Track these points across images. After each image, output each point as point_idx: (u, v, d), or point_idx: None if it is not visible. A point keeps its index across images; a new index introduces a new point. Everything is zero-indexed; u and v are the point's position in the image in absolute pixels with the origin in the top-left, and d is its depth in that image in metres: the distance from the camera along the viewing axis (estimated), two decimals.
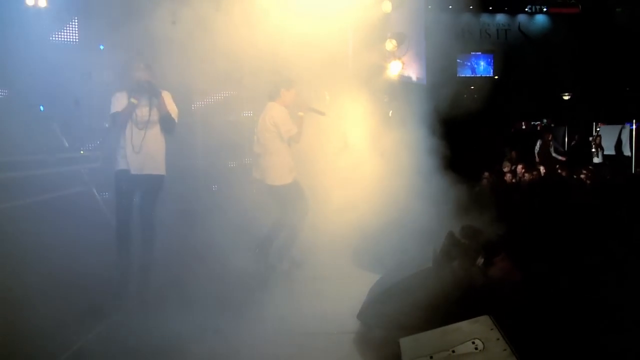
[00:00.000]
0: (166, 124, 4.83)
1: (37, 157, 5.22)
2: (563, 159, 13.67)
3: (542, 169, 11.38)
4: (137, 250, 4.80)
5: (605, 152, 14.93)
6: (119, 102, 4.72)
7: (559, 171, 10.51)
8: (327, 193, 6.16)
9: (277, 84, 5.58)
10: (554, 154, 13.82)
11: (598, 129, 16.00)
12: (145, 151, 4.72)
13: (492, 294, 3.79)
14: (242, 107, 7.96)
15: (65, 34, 7.31)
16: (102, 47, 7.52)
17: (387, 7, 7.98)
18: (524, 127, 18.68)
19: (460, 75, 19.73)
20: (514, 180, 10.12)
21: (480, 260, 4.13)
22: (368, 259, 5.57)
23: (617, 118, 16.04)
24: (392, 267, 4.58)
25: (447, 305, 3.91)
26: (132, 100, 4.68)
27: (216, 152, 7.74)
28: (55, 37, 7.44)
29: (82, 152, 5.89)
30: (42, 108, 7.01)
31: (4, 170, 4.74)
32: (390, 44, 8.14)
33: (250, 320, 4.22)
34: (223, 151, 7.81)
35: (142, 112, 4.73)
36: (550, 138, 14.18)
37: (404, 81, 10.72)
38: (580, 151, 14.68)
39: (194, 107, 7.99)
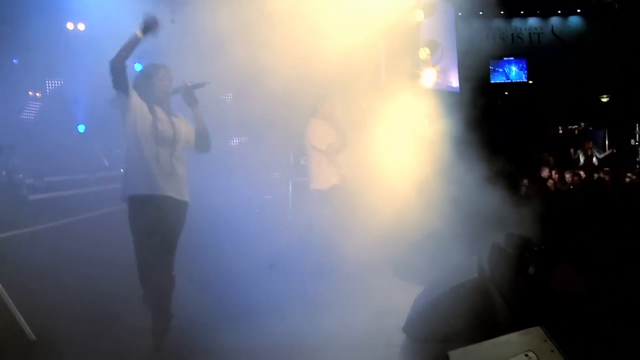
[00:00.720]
0: (204, 139, 4.04)
1: (80, 177, 5.26)
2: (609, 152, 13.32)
3: (582, 174, 11.09)
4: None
5: None
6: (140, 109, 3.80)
7: (602, 175, 10.18)
8: (368, 204, 6.05)
9: (312, 103, 6.01)
10: (597, 157, 13.49)
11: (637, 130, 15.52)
12: (172, 172, 3.84)
13: (545, 304, 3.64)
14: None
15: (104, 56, 7.41)
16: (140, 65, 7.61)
17: (419, 15, 7.90)
18: (561, 131, 18.25)
19: (494, 82, 19.45)
20: (554, 186, 9.85)
21: (532, 270, 3.98)
22: (411, 271, 5.45)
23: None
24: (436, 278, 4.45)
25: (494, 316, 3.79)
26: None
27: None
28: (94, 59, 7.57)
29: (122, 170, 5.90)
30: (82, 129, 7.12)
31: (50, 190, 4.79)
32: (424, 52, 8.05)
33: (294, 335, 4.14)
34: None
35: (164, 125, 3.85)
36: (590, 145, 13.81)
37: (438, 89, 10.60)
38: (624, 154, 14.25)
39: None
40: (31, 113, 6.77)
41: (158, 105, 3.87)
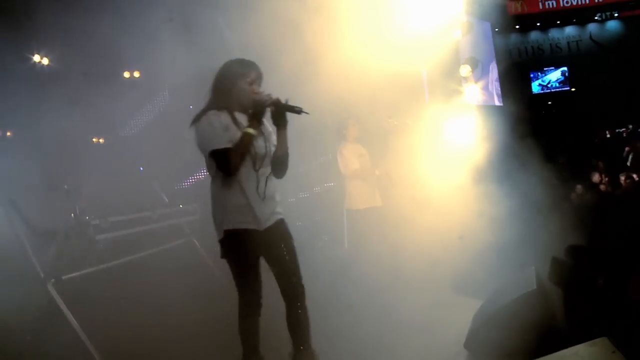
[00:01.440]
0: (283, 165, 3.39)
1: (143, 215, 5.35)
2: None
3: (635, 177, 10.63)
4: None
5: None
6: (221, 131, 3.15)
7: None
8: (424, 220, 5.91)
9: (339, 128, 6.06)
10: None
11: None
12: (270, 195, 3.31)
13: (617, 314, 3.43)
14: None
15: (157, 100, 7.65)
16: (191, 107, 7.79)
17: (458, 34, 7.81)
18: (608, 135, 17.66)
19: (536, 92, 19.07)
20: (607, 190, 9.46)
21: (601, 281, 3.76)
22: (469, 285, 5.27)
23: None
24: (494, 292, 4.27)
25: (557, 328, 3.60)
26: (249, 130, 3.15)
27: None
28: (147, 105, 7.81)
29: (180, 205, 5.99)
30: (141, 169, 7.27)
31: (114, 229, 4.86)
32: (465, 69, 7.92)
33: (357, 354, 4.03)
34: None
35: (259, 144, 3.28)
36: (639, 145, 13.27)
37: (482, 105, 10.43)
38: None
39: None
40: (95, 158, 6.94)
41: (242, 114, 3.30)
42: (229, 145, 3.09)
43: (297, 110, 3.19)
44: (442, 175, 6.45)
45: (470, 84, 8.07)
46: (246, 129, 3.15)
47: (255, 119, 3.19)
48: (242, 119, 3.23)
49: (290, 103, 3.19)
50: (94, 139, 7.27)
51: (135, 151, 6.90)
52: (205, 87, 3.37)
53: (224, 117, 3.17)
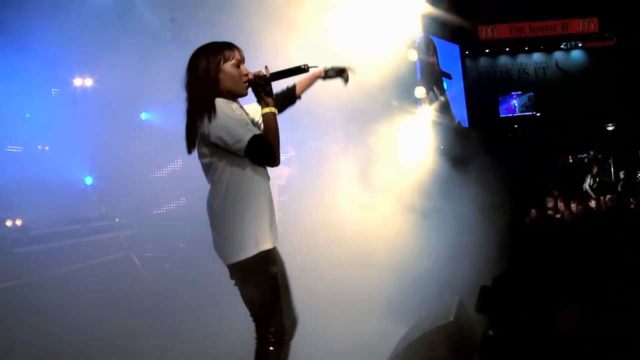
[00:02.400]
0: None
1: (72, 228, 5.06)
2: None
3: (592, 203, 10.58)
4: None
5: None
6: (245, 117, 2.75)
7: (608, 204, 9.66)
8: (357, 243, 5.70)
9: None
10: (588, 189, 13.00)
11: None
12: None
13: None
14: None
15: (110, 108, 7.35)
16: (144, 117, 7.53)
17: (413, 55, 7.68)
18: (570, 160, 17.73)
19: (503, 115, 19.09)
20: (561, 216, 9.35)
21: (527, 315, 3.57)
22: (402, 311, 5.03)
23: None
24: (417, 320, 4.05)
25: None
26: (272, 109, 2.72)
27: None
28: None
29: (117, 219, 5.72)
30: (89, 181, 6.97)
31: (34, 242, 4.59)
32: (419, 91, 7.77)
33: None
34: None
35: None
36: (595, 171, 13.29)
37: (443, 124, 10.31)
38: (629, 182, 13.68)
39: None
40: (38, 166, 6.64)
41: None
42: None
43: (304, 67, 2.79)
44: (380, 198, 6.26)
45: (425, 105, 7.92)
46: (267, 108, 2.69)
47: (268, 94, 2.70)
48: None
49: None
50: (39, 146, 6.95)
51: (79, 161, 6.59)
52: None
53: (225, 101, 2.67)
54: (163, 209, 6.95)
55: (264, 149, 2.57)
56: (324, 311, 4.97)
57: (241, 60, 2.79)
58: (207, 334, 4.74)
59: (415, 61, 7.98)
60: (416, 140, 7.75)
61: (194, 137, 2.72)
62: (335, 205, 5.81)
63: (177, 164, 7.31)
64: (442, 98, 12.04)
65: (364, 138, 6.99)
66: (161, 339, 4.55)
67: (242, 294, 2.77)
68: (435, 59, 12.29)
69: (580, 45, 18.66)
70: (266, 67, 2.74)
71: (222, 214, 2.70)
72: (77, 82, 7.35)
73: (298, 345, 2.93)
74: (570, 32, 17.75)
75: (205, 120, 2.58)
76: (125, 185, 6.58)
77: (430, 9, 8.10)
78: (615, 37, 17.75)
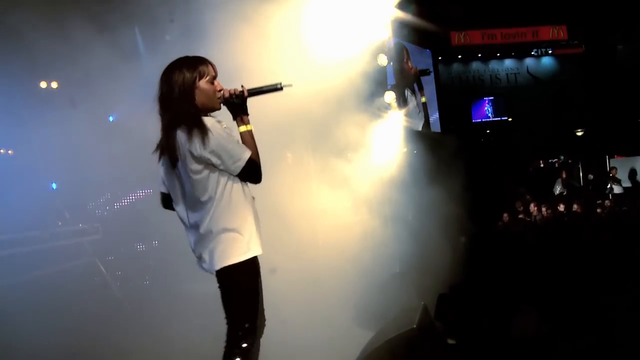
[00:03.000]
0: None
1: (32, 234, 4.92)
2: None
3: (561, 207, 10.70)
4: None
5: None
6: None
7: (575, 208, 9.76)
8: (325, 248, 5.64)
9: None
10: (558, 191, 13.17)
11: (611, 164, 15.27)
12: None
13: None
14: None
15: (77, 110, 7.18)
16: (111, 119, 7.36)
17: (383, 60, 7.64)
18: (542, 165, 17.99)
19: (476, 120, 19.26)
20: (528, 219, 9.44)
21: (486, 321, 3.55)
22: (367, 315, 4.99)
23: (631, 150, 15.36)
24: (382, 326, 4.01)
25: None
26: (249, 127, 2.85)
27: None
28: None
29: (80, 225, 5.58)
30: (54, 186, 6.81)
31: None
32: (389, 96, 7.73)
33: None
34: None
35: None
36: (564, 176, 13.48)
37: (413, 129, 10.33)
38: (597, 186, 13.92)
39: None
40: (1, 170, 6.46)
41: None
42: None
43: (279, 87, 2.83)
44: (352, 203, 6.21)
45: (394, 110, 7.88)
46: (244, 126, 2.80)
47: (243, 111, 2.80)
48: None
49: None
50: (1, 150, 6.75)
51: (43, 165, 6.41)
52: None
53: (212, 120, 2.71)
54: (131, 214, 6.80)
55: (256, 167, 2.73)
56: (291, 313, 4.91)
57: (215, 76, 2.81)
58: (173, 336, 4.65)
59: (386, 66, 7.92)
60: (384, 145, 7.72)
61: (178, 152, 2.67)
62: (301, 211, 5.73)
63: (146, 169, 7.15)
64: (422, 99, 12.10)
65: (332, 143, 6.94)
66: (128, 345, 4.46)
67: (225, 296, 2.77)
68: (409, 64, 12.31)
69: (550, 52, 19.01)
70: (242, 85, 2.79)
71: (219, 223, 2.71)
72: (43, 84, 7.20)
73: (265, 345, 2.90)
74: (540, 39, 18.02)
75: (197, 139, 2.58)
76: (91, 190, 6.44)
77: (400, 14, 8.06)
78: (583, 45, 18.09)
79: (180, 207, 2.83)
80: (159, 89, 2.75)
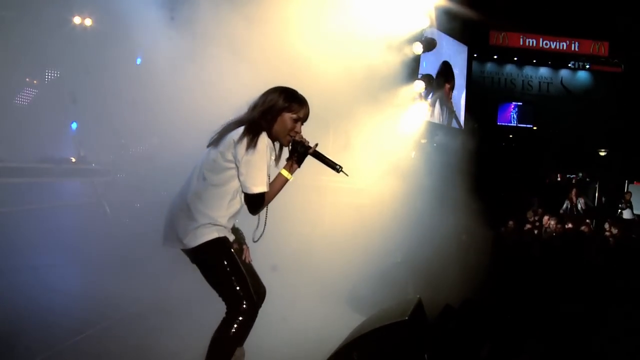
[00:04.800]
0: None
1: (42, 166, 4.96)
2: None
3: (569, 225, 10.59)
4: None
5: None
6: (267, 168, 2.99)
7: (583, 228, 9.66)
8: (334, 227, 5.64)
9: None
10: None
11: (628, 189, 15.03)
12: None
13: None
14: None
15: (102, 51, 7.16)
16: (139, 61, 7.33)
17: (418, 49, 7.55)
18: (559, 179, 17.78)
19: (500, 124, 19.05)
20: (535, 232, 9.35)
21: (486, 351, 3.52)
22: (365, 302, 4.98)
23: None
24: (374, 313, 4.01)
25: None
26: (289, 176, 3.08)
27: None
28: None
29: (93, 165, 5.61)
30: (75, 126, 6.83)
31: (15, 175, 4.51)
32: (419, 85, 7.66)
33: None
34: None
35: None
36: (574, 194, 13.29)
37: (437, 123, 10.24)
38: (610, 208, 13.74)
39: None
40: (26, 99, 6.50)
41: None
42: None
43: (338, 168, 3.07)
44: (365, 187, 6.19)
45: (422, 101, 7.81)
46: (286, 173, 3.03)
47: (298, 162, 3.05)
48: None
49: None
50: (27, 79, 6.79)
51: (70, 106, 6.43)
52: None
53: (269, 142, 2.93)
54: (144, 161, 6.81)
55: (259, 204, 2.93)
56: (289, 291, 4.93)
57: (301, 120, 3.04)
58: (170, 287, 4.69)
59: (420, 55, 7.83)
60: (405, 133, 7.67)
61: (226, 136, 2.93)
62: (309, 195, 5.73)
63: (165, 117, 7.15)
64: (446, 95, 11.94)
65: (349, 128, 6.90)
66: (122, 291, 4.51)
67: (204, 275, 3.00)
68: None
69: (587, 66, 18.66)
70: (316, 144, 3.05)
71: (205, 204, 2.92)
72: (77, 20, 7.20)
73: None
74: (580, 52, 17.70)
75: (245, 142, 2.83)
76: (109, 134, 6.46)
77: (444, 2, 7.92)
78: (623, 65, 17.73)
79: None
80: (259, 97, 3.04)
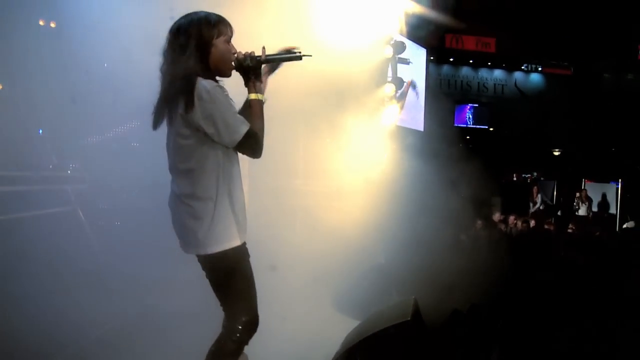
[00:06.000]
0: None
1: (24, 174, 4.81)
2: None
3: (532, 222, 10.98)
4: None
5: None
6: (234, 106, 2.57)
7: (546, 226, 10.04)
8: (311, 232, 5.66)
9: None
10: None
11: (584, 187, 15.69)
12: None
13: None
14: None
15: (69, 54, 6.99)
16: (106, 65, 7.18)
17: (388, 52, 7.70)
18: (515, 178, 18.35)
19: (457, 125, 19.50)
20: (505, 230, 9.66)
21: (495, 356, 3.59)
22: (350, 305, 5.05)
23: (603, 176, 15.80)
24: (371, 315, 4.08)
25: None
26: (260, 96, 2.62)
27: None
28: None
29: (69, 171, 5.47)
30: (40, 132, 6.62)
31: None
32: (389, 88, 7.79)
33: None
34: None
35: None
36: (536, 191, 13.81)
37: (402, 126, 10.41)
38: (569, 206, 14.31)
39: None
40: None
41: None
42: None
43: (298, 54, 2.59)
44: (341, 190, 6.25)
45: (392, 103, 7.95)
46: (255, 95, 2.56)
47: (257, 77, 2.57)
48: None
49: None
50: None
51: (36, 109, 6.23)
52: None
53: (225, 91, 2.46)
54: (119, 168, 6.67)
55: (255, 142, 2.48)
56: (274, 293, 4.93)
57: (231, 37, 2.60)
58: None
59: (389, 58, 7.97)
60: (377, 137, 7.79)
61: (166, 112, 2.47)
62: (292, 195, 5.76)
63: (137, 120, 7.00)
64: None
65: (325, 130, 6.95)
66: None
67: (214, 284, 2.68)
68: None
69: (539, 69, 19.35)
70: (263, 47, 2.59)
71: (205, 202, 2.50)
72: (41, 22, 6.99)
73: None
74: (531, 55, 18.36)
75: (195, 102, 2.35)
76: (78, 138, 6.30)
77: (415, 8, 8.09)
78: (572, 68, 18.50)
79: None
80: (171, 41, 2.51)
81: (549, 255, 7.25)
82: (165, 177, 2.76)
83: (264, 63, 2.60)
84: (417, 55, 15.04)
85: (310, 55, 2.63)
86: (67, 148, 6.09)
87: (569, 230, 9.62)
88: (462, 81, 19.74)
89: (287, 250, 5.17)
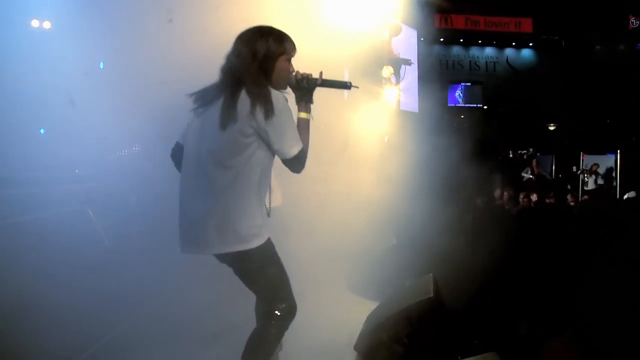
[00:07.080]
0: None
1: (34, 175, 4.82)
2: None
3: (534, 197, 11.06)
4: None
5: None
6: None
7: (549, 200, 10.14)
8: (323, 217, 5.71)
9: None
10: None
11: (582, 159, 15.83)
12: None
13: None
14: None
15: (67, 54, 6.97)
16: (102, 66, 7.18)
17: (385, 35, 7.73)
18: (511, 155, 18.44)
19: (451, 105, 19.55)
20: (506, 207, 9.74)
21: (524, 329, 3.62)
22: (366, 287, 5.13)
23: (599, 148, 15.91)
24: (391, 295, 4.15)
25: (447, 339, 3.51)
26: (308, 116, 2.74)
27: None
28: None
29: (77, 170, 5.49)
30: (42, 131, 6.63)
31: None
32: (387, 71, 7.83)
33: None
34: None
35: None
36: (535, 165, 13.91)
37: (401, 108, 10.45)
38: (568, 179, 14.45)
39: None
40: None
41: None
42: None
43: (349, 85, 2.77)
44: (347, 175, 6.29)
45: (391, 86, 7.99)
46: (304, 114, 2.70)
47: (309, 99, 2.72)
48: None
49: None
50: None
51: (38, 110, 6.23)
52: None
53: (281, 95, 2.59)
54: (125, 165, 6.68)
55: (303, 160, 2.62)
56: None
57: (292, 57, 2.72)
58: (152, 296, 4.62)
59: (386, 41, 8.01)
60: (377, 119, 7.83)
61: (232, 112, 2.54)
62: (299, 180, 5.79)
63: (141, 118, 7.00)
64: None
65: (326, 112, 6.97)
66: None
67: (250, 278, 2.76)
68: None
69: (530, 44, 19.38)
70: (321, 72, 2.72)
71: (248, 196, 2.60)
72: (35, 23, 6.96)
73: None
74: (522, 31, 18.36)
75: (262, 110, 2.47)
76: (82, 137, 6.31)
77: None
78: (563, 41, 18.54)
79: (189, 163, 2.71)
80: (236, 50, 2.64)
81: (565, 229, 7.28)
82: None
83: (319, 86, 2.73)
84: (409, 37, 15.09)
85: (357, 87, 2.80)
86: (66, 150, 6.11)
87: (571, 204, 9.72)
88: (453, 60, 19.78)
89: (295, 239, 5.23)
